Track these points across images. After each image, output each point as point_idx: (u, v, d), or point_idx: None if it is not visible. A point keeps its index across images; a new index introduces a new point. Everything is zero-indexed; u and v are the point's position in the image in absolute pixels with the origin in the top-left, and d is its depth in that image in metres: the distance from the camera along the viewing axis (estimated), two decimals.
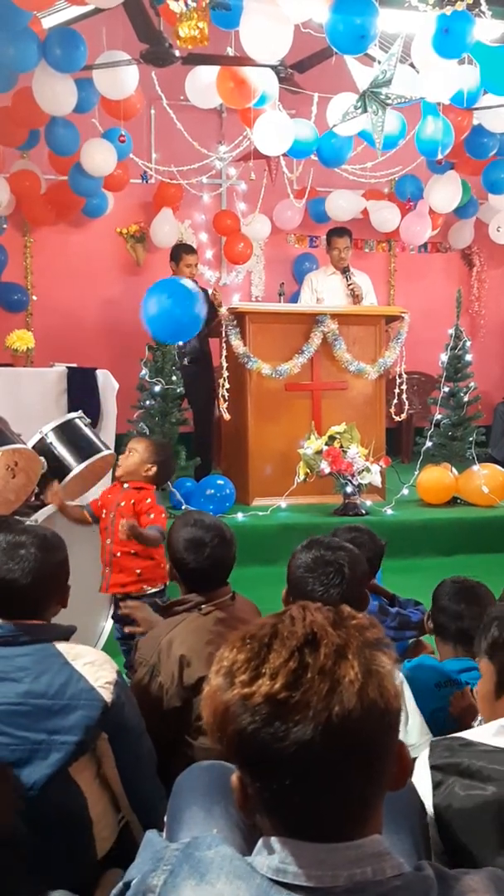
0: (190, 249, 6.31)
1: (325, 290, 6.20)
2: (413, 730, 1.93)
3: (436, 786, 1.37)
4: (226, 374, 5.33)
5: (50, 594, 1.93)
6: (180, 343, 5.59)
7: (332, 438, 5.04)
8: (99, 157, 5.95)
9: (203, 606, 2.26)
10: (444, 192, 6.56)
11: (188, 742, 2.11)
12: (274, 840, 0.89)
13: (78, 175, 6.13)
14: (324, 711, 0.84)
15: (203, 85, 5.36)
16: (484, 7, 4.55)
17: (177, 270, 6.17)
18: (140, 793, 1.86)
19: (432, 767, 1.39)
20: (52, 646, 1.78)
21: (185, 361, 5.89)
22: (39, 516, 3.16)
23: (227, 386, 5.33)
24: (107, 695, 1.72)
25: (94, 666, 1.76)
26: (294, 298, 6.94)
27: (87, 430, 3.71)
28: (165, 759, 2.07)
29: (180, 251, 6.22)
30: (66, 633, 1.89)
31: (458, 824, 1.33)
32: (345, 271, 6.11)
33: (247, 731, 0.86)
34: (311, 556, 2.03)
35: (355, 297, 6.06)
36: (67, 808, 1.71)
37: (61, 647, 1.79)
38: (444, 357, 5.84)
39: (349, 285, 6.07)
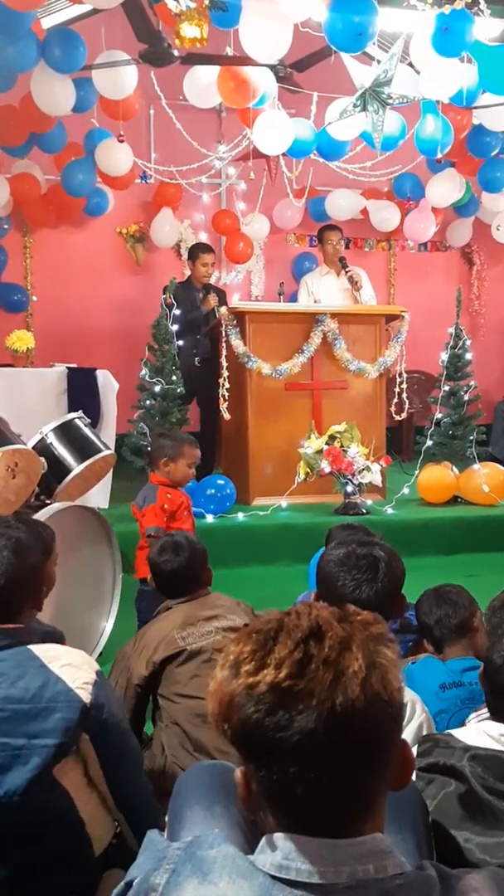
0: (207, 248, 6.29)
1: (321, 292, 6.21)
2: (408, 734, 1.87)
3: (421, 788, 1.40)
4: (226, 373, 5.33)
5: (23, 597, 1.91)
6: (180, 343, 5.60)
7: (332, 438, 5.04)
8: (116, 157, 6.02)
9: (172, 604, 2.56)
10: (443, 187, 6.56)
11: (170, 701, 2.34)
12: (277, 836, 0.90)
13: (71, 174, 6.16)
14: (327, 701, 0.85)
15: (202, 85, 5.36)
16: (483, 6, 4.54)
17: (193, 269, 6.17)
18: (126, 791, 1.86)
19: (417, 769, 1.41)
20: (28, 649, 1.77)
21: (196, 362, 5.89)
22: (40, 517, 3.16)
23: (227, 385, 5.33)
24: (85, 696, 1.71)
25: (71, 667, 1.74)
26: (294, 298, 6.94)
27: (88, 431, 3.72)
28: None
29: (197, 250, 6.24)
30: (44, 636, 1.88)
31: (437, 820, 1.36)
32: (341, 260, 6.12)
33: (251, 720, 0.87)
34: (343, 551, 1.94)
35: (354, 284, 6.06)
36: (55, 811, 1.70)
37: (37, 649, 1.77)
38: (444, 356, 5.84)
39: (347, 272, 6.07)
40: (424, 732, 1.89)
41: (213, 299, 6.00)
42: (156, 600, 2.75)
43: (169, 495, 3.57)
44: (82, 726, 1.71)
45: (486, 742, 1.42)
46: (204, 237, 7.38)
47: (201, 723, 2.23)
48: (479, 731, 1.46)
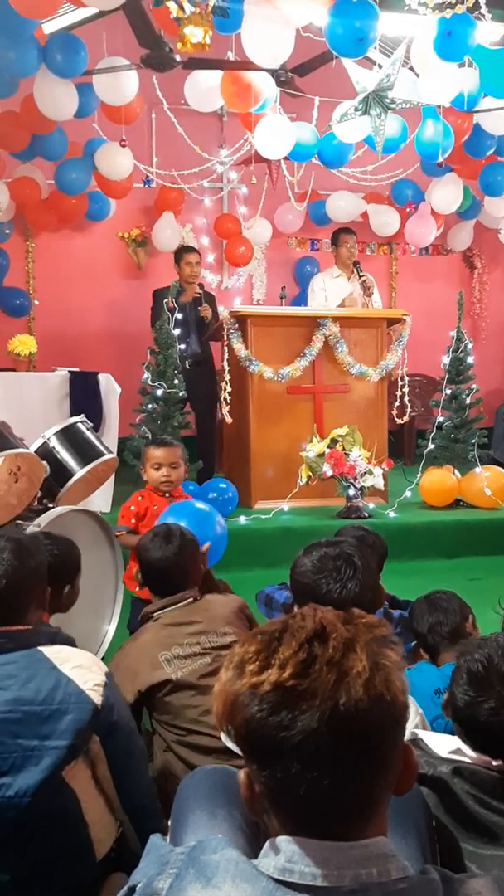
0: (189, 248, 6.34)
1: (331, 292, 6.21)
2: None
3: None
4: (227, 377, 5.33)
5: (28, 599, 1.92)
6: (181, 347, 5.60)
7: (334, 441, 5.04)
8: (115, 161, 6.05)
9: (156, 614, 2.38)
10: (445, 193, 6.57)
11: (164, 729, 2.21)
12: (280, 839, 0.90)
13: (65, 173, 6.19)
14: (330, 701, 0.86)
15: (203, 89, 5.37)
16: (484, 10, 4.55)
17: (179, 271, 6.19)
18: (132, 791, 1.86)
19: None
20: (39, 651, 1.77)
21: (187, 364, 5.90)
22: (42, 520, 3.16)
23: (228, 389, 5.33)
24: (96, 697, 1.72)
25: (82, 669, 1.76)
26: (296, 301, 6.94)
27: (90, 434, 3.72)
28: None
29: (180, 252, 6.29)
30: (52, 637, 1.88)
31: (440, 824, 1.37)
32: (356, 264, 6.14)
33: (254, 720, 0.87)
34: (316, 557, 1.93)
35: (366, 290, 6.06)
36: (62, 812, 1.70)
37: (48, 651, 1.78)
38: (445, 359, 5.83)
39: (361, 277, 6.08)
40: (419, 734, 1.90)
41: (202, 311, 5.98)
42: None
43: (140, 497, 3.53)
44: (93, 727, 1.72)
45: (464, 759, 1.43)
46: (206, 241, 7.40)
47: (201, 754, 2.15)
48: (456, 750, 1.46)
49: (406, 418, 5.70)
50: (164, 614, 2.37)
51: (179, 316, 5.64)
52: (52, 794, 1.66)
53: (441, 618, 2.41)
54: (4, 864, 1.67)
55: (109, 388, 5.34)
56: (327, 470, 4.95)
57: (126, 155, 6.07)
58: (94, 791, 1.79)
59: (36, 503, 3.44)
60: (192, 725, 2.18)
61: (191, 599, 2.42)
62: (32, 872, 1.68)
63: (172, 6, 3.88)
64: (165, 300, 5.56)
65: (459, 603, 2.46)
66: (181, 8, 3.85)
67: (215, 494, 5.05)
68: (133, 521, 3.46)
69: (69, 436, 3.60)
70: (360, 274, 6.08)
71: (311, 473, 5.04)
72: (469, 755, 1.44)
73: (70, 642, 2.12)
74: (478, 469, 5.52)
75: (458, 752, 1.45)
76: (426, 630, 2.42)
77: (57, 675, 1.71)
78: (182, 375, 5.46)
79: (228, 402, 5.34)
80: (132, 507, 3.51)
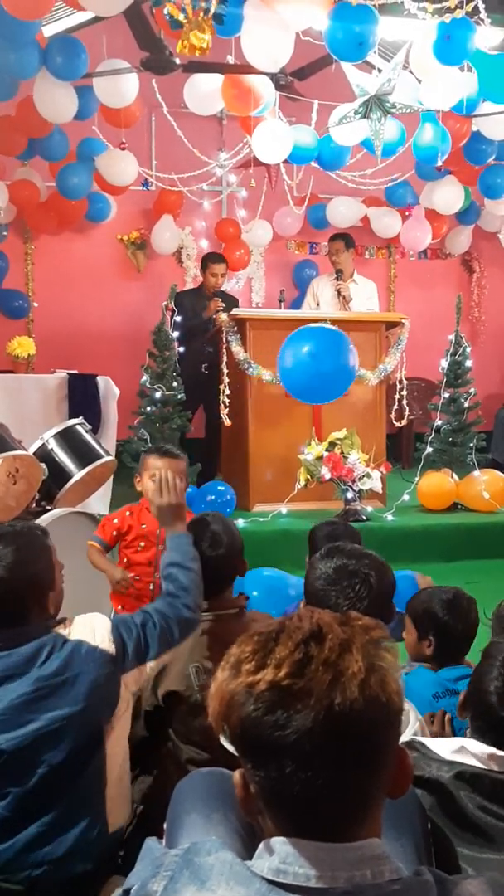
0: (217, 259, 6.26)
1: (323, 296, 6.24)
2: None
3: None
4: (226, 379, 5.34)
5: (34, 599, 1.92)
6: (181, 350, 5.60)
7: (332, 444, 5.05)
8: (118, 167, 6.09)
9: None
10: (446, 194, 6.57)
11: (175, 744, 2.17)
12: (274, 841, 0.90)
13: (66, 178, 6.20)
14: (325, 700, 0.86)
15: (202, 92, 5.37)
16: (483, 14, 4.56)
17: (204, 278, 6.20)
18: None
19: None
20: (50, 632, 1.84)
21: (203, 369, 5.89)
22: (41, 523, 3.16)
23: (227, 392, 5.34)
24: (109, 646, 1.81)
25: (86, 627, 1.84)
26: (294, 304, 6.95)
27: (88, 437, 3.73)
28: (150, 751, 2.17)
29: (207, 260, 6.26)
30: (57, 623, 1.92)
31: (435, 826, 1.37)
32: (338, 272, 6.16)
33: (250, 719, 0.88)
34: (333, 566, 1.87)
35: (342, 299, 6.08)
36: (91, 769, 1.79)
37: (58, 629, 1.86)
38: (444, 363, 5.84)
39: (337, 284, 6.11)
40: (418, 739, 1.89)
41: (213, 305, 5.99)
42: None
43: (128, 513, 3.15)
44: (119, 671, 1.82)
45: (468, 760, 1.42)
46: (205, 244, 7.41)
47: None
48: (460, 748, 1.45)
49: (404, 422, 5.70)
50: (206, 620, 2.20)
51: (178, 319, 5.64)
52: (91, 754, 1.77)
53: (461, 626, 2.32)
54: (25, 816, 1.72)
55: (108, 390, 5.35)
56: (325, 473, 4.95)
57: (130, 161, 6.07)
58: (115, 748, 1.85)
59: (34, 505, 3.45)
60: (209, 744, 2.10)
61: (235, 611, 2.26)
62: (46, 832, 1.72)
63: (171, 6, 3.87)
64: (164, 303, 5.56)
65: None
66: (180, 9, 3.85)
67: (213, 497, 5.05)
68: (114, 533, 3.12)
69: (68, 438, 3.60)
70: (338, 282, 6.12)
71: (309, 476, 5.04)
72: (474, 752, 1.43)
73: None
74: (476, 472, 5.52)
75: (461, 750, 1.44)
76: (447, 625, 2.32)
77: (71, 645, 1.79)
78: (198, 380, 5.45)
79: (227, 404, 5.34)
80: (115, 521, 3.15)
